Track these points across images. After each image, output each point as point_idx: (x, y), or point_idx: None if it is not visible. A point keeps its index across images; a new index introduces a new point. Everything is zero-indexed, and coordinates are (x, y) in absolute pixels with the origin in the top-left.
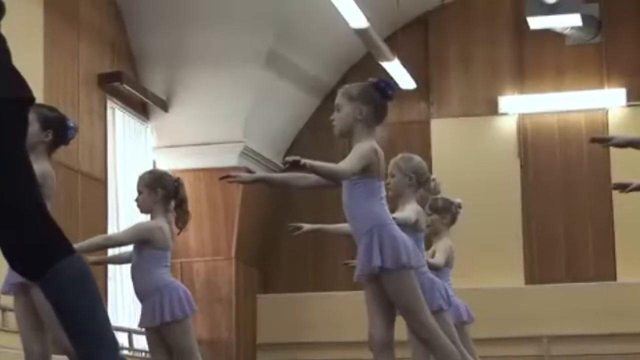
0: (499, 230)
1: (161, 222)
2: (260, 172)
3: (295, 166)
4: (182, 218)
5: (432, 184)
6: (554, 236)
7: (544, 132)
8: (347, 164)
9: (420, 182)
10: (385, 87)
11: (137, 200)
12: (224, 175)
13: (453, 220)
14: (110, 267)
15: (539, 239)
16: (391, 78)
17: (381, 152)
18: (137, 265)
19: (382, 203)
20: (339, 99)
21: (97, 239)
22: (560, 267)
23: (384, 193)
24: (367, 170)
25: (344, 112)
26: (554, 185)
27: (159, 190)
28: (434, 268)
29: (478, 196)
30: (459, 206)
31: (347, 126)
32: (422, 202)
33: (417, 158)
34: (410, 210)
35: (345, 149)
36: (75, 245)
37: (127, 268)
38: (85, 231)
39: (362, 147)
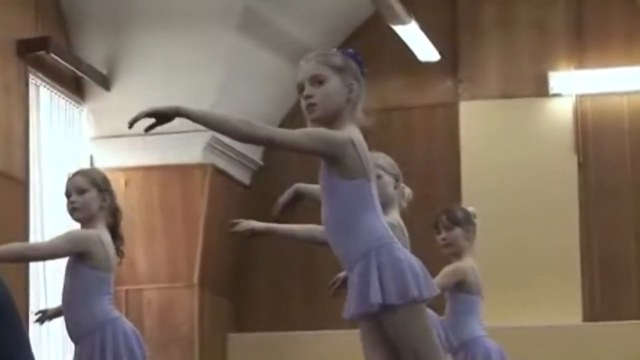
0: (549, 249)
1: (103, 233)
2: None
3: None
4: (117, 242)
5: (406, 191)
6: (621, 258)
7: (610, 119)
8: (300, 135)
9: (399, 185)
10: (362, 62)
11: (74, 201)
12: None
13: (474, 233)
14: (33, 295)
15: (602, 261)
16: (407, 46)
17: (363, 144)
18: (71, 293)
19: (378, 214)
20: (318, 67)
21: (16, 245)
22: (629, 300)
23: (377, 201)
24: (350, 170)
25: (330, 88)
26: (622, 188)
27: (107, 196)
28: None
29: (522, 204)
30: (474, 216)
31: (336, 107)
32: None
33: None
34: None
35: None
36: None
37: (53, 296)
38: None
39: (337, 132)
